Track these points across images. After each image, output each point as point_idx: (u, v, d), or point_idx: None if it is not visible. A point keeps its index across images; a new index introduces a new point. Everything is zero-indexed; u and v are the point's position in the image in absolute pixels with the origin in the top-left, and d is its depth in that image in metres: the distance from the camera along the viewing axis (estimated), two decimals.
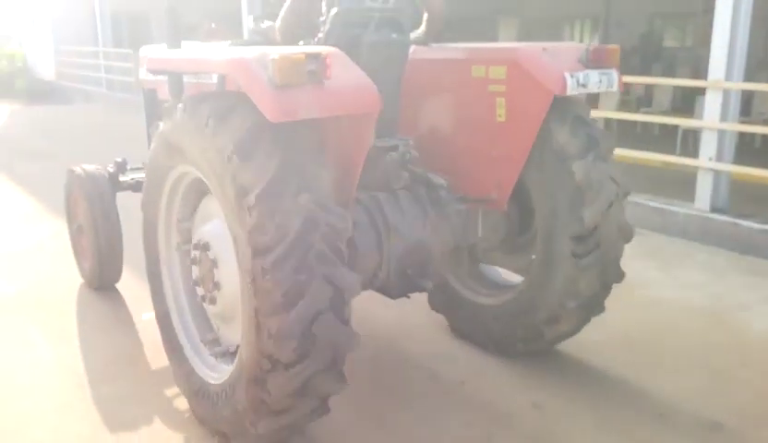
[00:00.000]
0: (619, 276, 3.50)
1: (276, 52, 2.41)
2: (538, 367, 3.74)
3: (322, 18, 3.20)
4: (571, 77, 3.17)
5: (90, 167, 4.85)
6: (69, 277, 5.07)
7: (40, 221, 6.76)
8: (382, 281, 3.31)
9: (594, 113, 4.22)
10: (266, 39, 3.64)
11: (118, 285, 4.90)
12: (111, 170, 4.82)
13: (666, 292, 4.94)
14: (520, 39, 21.91)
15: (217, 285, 2.92)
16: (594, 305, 3.53)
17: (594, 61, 3.27)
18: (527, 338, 3.67)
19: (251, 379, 2.55)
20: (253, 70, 2.40)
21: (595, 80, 3.26)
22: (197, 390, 3.08)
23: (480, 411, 3.35)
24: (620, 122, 10.30)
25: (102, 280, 4.82)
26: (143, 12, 21.19)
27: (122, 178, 4.84)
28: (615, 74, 3.35)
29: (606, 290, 3.51)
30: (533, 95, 3.24)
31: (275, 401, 2.53)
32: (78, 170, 4.81)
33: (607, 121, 10.03)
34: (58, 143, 11.66)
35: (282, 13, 3.26)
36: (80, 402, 3.44)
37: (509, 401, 3.43)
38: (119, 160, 4.87)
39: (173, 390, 3.43)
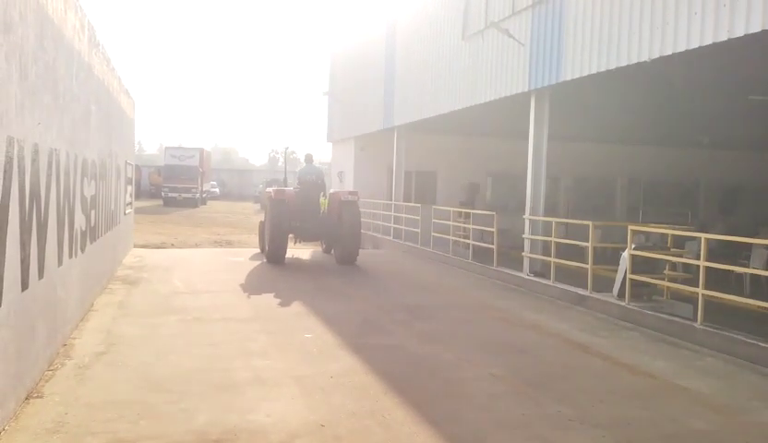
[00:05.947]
0: (360, 243, 15.16)
1: (280, 187, 15.72)
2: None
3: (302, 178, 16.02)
4: (342, 196, 15.25)
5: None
6: None
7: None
8: (308, 238, 15.94)
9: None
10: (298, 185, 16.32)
11: None
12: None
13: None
14: None
15: None
16: (354, 250, 15.28)
17: (350, 194, 15.32)
18: (342, 258, 15.47)
19: (267, 241, 15.24)
20: (271, 191, 15.29)
21: (348, 198, 15.20)
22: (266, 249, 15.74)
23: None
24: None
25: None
26: (431, 172, 24.60)
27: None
28: (357, 196, 15.43)
29: (356, 245, 15.27)
30: (338, 200, 15.47)
31: (270, 244, 15.13)
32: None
33: (754, 277, 10.98)
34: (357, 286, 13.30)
35: (296, 182, 16.18)
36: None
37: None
38: None
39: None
